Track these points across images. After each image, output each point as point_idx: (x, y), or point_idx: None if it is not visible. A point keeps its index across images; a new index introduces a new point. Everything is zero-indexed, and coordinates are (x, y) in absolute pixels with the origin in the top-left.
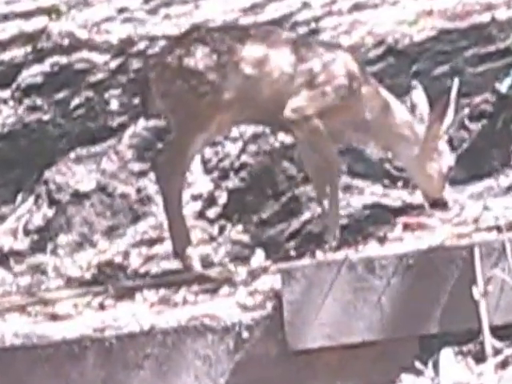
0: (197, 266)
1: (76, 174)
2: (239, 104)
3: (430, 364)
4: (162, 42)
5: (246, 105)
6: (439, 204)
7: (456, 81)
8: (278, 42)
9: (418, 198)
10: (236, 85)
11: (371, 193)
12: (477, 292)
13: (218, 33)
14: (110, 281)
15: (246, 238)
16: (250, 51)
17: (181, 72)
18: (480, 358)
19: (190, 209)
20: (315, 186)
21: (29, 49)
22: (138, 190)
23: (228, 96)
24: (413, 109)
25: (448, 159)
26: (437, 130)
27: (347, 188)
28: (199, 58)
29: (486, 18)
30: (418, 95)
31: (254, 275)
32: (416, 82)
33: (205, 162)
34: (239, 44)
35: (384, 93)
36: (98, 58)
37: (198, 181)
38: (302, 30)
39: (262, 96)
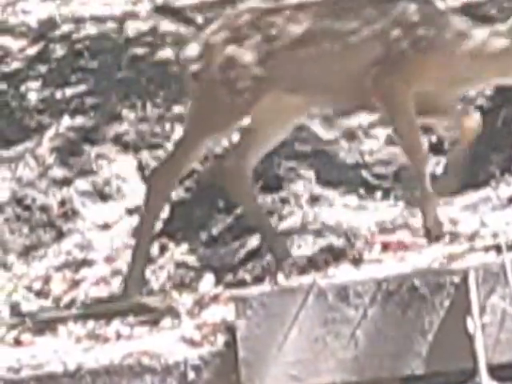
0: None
1: None
2: (298, 92)
3: None
4: (90, 25)
5: (312, 91)
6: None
7: None
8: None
9: (400, 211)
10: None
11: (344, 205)
12: (472, 324)
13: (269, 15)
14: (28, 311)
15: (192, 260)
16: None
17: (222, 58)
18: None
19: (124, 225)
20: None
21: None
22: (62, 202)
23: (282, 86)
24: None
25: None
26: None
27: (315, 199)
28: (247, 47)
29: None
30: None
31: (201, 304)
32: None
33: (142, 169)
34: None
35: None
36: (13, 43)
37: (135, 191)
38: None
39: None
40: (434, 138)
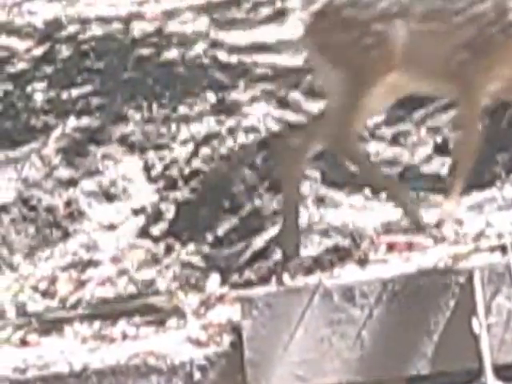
0: None
1: None
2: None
3: None
4: (96, 26)
5: (415, 68)
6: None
7: None
8: None
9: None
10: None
11: (350, 205)
12: (477, 324)
13: None
14: (34, 312)
15: (198, 260)
16: None
17: (340, 22)
18: None
19: (130, 225)
20: None
21: None
22: (68, 203)
23: (400, 51)
24: None
25: None
26: None
27: (321, 200)
28: (362, 7)
29: None
30: None
31: (207, 304)
32: None
33: (148, 169)
34: None
35: None
36: (19, 44)
37: (141, 191)
38: (265, 10)
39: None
40: (439, 139)
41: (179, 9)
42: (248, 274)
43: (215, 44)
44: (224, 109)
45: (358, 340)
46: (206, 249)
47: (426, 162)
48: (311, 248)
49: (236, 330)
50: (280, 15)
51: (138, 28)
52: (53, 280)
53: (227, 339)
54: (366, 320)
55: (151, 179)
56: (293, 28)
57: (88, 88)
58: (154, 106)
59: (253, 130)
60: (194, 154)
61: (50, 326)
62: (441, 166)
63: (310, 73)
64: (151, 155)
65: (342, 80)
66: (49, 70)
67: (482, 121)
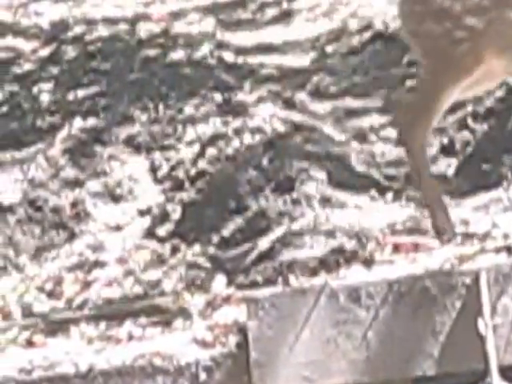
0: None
1: None
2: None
3: None
4: (102, 27)
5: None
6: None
7: None
8: None
9: (411, 212)
10: (502, 32)
11: (355, 206)
12: (483, 325)
13: None
14: (40, 312)
15: (203, 261)
16: None
17: (433, 11)
18: None
19: (136, 226)
20: None
21: None
22: (74, 204)
23: (491, 45)
24: None
25: None
26: None
27: (327, 200)
28: None
29: None
30: None
31: (213, 305)
32: None
33: (154, 170)
34: None
35: None
36: (25, 45)
37: (147, 192)
38: (271, 11)
39: None
40: (445, 140)
41: (185, 10)
42: (254, 275)
43: (221, 45)
44: (230, 110)
45: (364, 341)
46: (211, 250)
47: (432, 162)
48: (317, 249)
49: (242, 330)
50: (286, 16)
51: (144, 29)
52: (59, 281)
53: (233, 340)
54: (371, 321)
55: (157, 180)
56: (299, 29)
57: (94, 89)
58: (160, 106)
59: (259, 130)
60: (200, 154)
61: (56, 326)
62: (447, 166)
63: (316, 74)
64: (157, 156)
65: (429, 70)
66: (55, 70)
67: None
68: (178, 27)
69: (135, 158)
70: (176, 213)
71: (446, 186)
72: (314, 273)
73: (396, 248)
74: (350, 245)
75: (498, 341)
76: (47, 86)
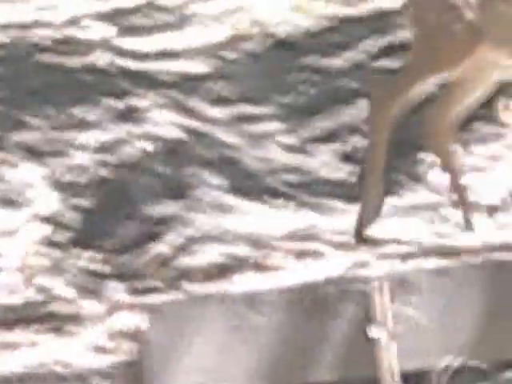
0: None
1: None
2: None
3: None
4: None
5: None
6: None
7: None
8: None
9: (304, 218)
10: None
11: (249, 212)
12: (376, 332)
13: None
14: None
15: (100, 267)
16: None
17: (439, 2)
18: None
19: (30, 232)
20: None
21: None
22: None
23: (487, 40)
24: None
25: None
26: None
27: (220, 206)
28: None
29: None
30: None
31: (110, 312)
32: None
33: (50, 176)
34: None
35: None
36: None
37: (43, 198)
38: (168, 17)
39: None
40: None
41: (83, 15)
42: (149, 282)
43: (119, 51)
44: (126, 116)
45: (259, 347)
46: (107, 256)
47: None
48: (211, 255)
49: (137, 337)
50: (182, 22)
51: (40, 35)
52: None
53: (129, 347)
54: (266, 327)
55: (53, 186)
56: (195, 34)
57: None
58: (56, 112)
59: (154, 136)
60: (95, 160)
61: None
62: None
63: (212, 79)
64: (52, 162)
65: (417, 54)
66: None
67: None
68: (76, 33)
69: (30, 164)
70: (71, 219)
71: (344, 191)
72: (208, 279)
73: (290, 254)
74: (243, 251)
75: (392, 348)
76: None
